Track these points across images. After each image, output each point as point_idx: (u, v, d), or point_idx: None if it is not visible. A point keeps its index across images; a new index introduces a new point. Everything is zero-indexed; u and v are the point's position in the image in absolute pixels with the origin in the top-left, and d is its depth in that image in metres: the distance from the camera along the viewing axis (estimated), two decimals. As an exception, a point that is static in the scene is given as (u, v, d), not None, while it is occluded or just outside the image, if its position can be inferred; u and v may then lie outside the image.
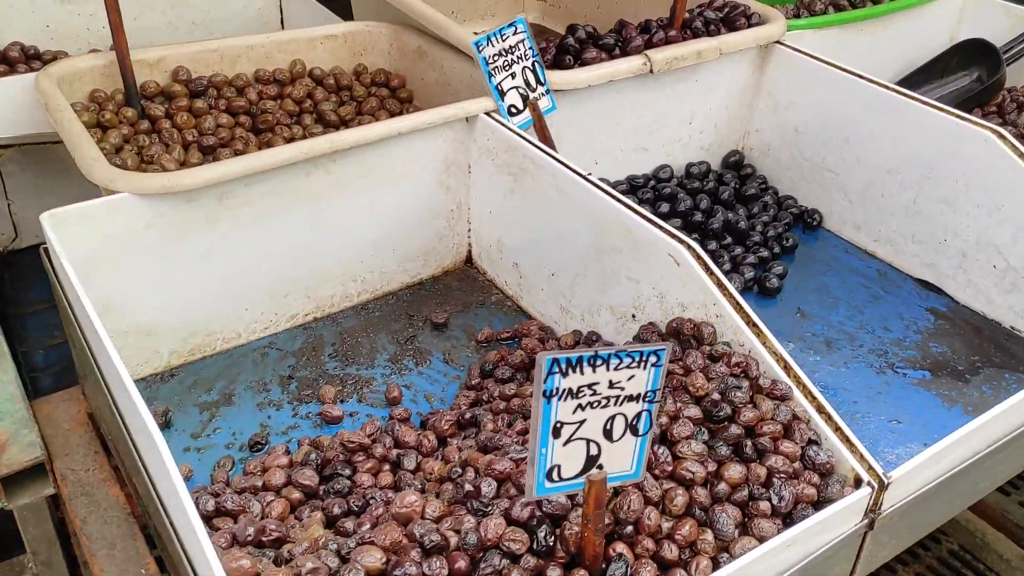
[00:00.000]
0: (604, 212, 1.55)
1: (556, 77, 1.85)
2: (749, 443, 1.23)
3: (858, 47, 2.42)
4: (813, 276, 2.03)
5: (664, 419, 1.22)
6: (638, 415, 0.99)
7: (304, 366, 1.70)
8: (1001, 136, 1.77)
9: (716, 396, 1.27)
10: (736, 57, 2.12)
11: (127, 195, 1.48)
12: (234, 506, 1.27)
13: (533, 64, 1.82)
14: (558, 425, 0.97)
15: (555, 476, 1.00)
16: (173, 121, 1.92)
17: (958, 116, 1.84)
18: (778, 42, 2.15)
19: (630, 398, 0.97)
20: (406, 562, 1.03)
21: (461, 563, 1.05)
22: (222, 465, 1.47)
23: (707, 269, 1.41)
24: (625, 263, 1.56)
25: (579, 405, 0.96)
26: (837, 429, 1.27)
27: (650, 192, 2.07)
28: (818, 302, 1.94)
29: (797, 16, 2.39)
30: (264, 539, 1.17)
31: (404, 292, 1.90)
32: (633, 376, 0.96)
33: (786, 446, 1.24)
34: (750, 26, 2.13)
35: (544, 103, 1.84)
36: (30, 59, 2.34)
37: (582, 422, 0.97)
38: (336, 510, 1.26)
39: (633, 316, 1.58)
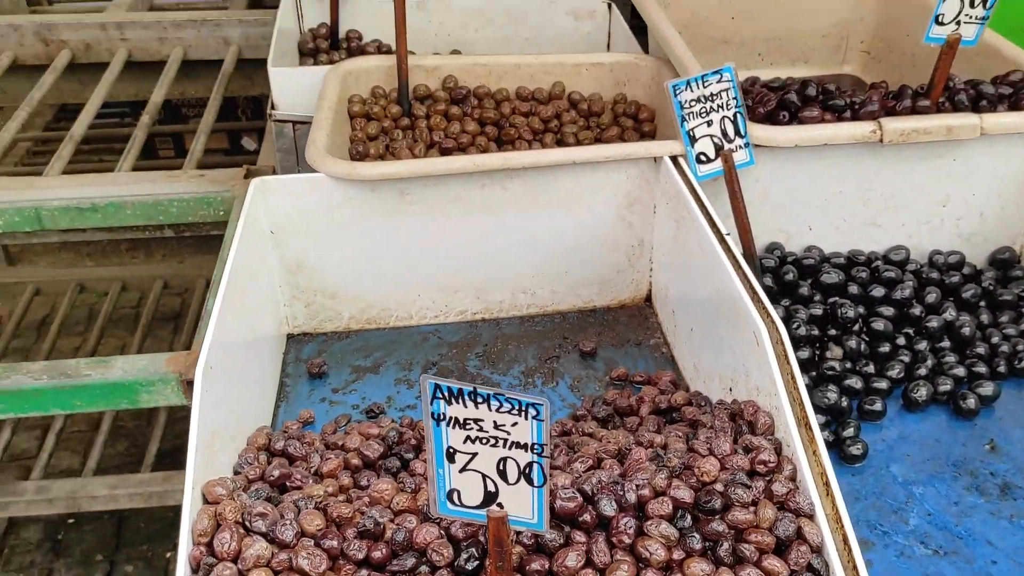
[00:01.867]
0: (721, 275, 1.48)
1: (758, 132, 1.77)
2: (727, 545, 1.13)
3: None
4: (1037, 410, 1.69)
5: (647, 491, 1.17)
6: (529, 465, 0.99)
7: (450, 358, 1.86)
8: None
9: (719, 487, 1.18)
10: (1015, 140, 1.83)
11: (323, 175, 1.75)
12: (296, 452, 1.47)
13: (735, 115, 1.76)
14: (451, 450, 1.01)
15: (456, 500, 1.05)
16: (428, 121, 2.18)
17: None
18: (1080, 131, 1.81)
19: (518, 445, 0.98)
20: (331, 535, 1.15)
21: (378, 553, 1.14)
22: (337, 421, 1.69)
23: (782, 356, 1.30)
24: (728, 332, 1.47)
25: (468, 437, 0.99)
26: (853, 568, 1.11)
27: (866, 271, 1.87)
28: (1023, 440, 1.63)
29: None
30: (288, 484, 1.36)
31: (572, 314, 1.96)
32: (516, 423, 0.96)
33: (772, 563, 1.12)
34: (1045, 107, 1.82)
35: (740, 156, 1.77)
36: (382, 53, 2.79)
37: (474, 455, 1.00)
38: (364, 482, 1.40)
39: (730, 389, 1.49)
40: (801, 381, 1.27)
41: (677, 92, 1.75)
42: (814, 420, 1.23)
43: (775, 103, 1.85)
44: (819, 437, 1.22)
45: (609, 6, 2.85)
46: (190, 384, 1.83)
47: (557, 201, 1.83)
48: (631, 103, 2.27)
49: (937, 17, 1.80)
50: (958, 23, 1.80)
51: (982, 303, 1.88)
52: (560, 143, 2.21)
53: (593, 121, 2.25)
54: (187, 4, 4.17)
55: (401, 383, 1.80)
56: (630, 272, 1.94)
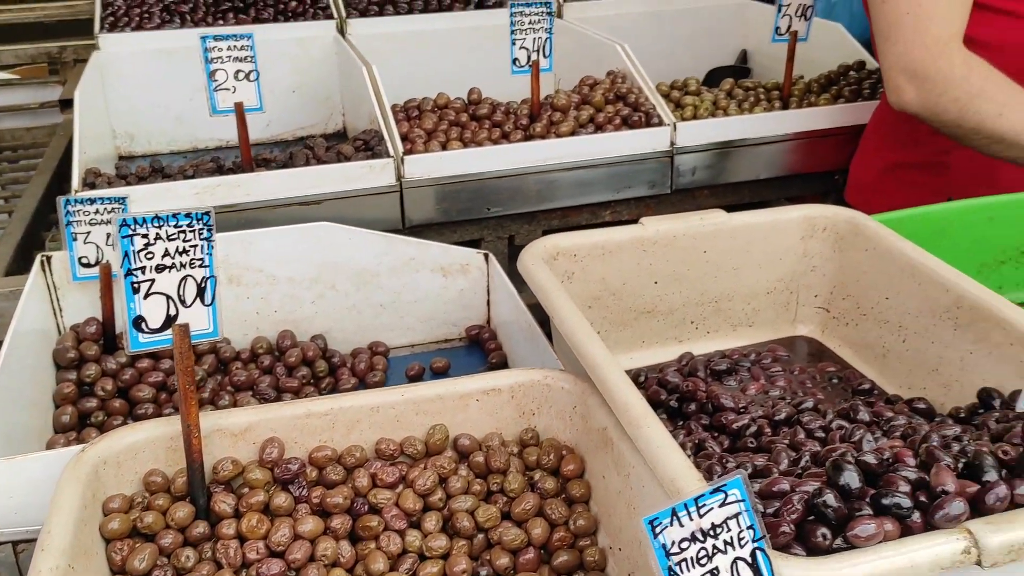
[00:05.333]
0: None
1: (794, 573, 1.06)
2: None
3: None
4: None
5: None
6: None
7: None
8: None
9: None
10: None
11: None
12: None
13: (753, 553, 1.05)
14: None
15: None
16: (238, 526, 1.37)
17: None
18: None
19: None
20: None
21: None
22: None
23: None
24: None
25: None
26: None
27: None
28: None
29: None
30: None
31: None
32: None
33: None
34: None
35: (769, 619, 1.05)
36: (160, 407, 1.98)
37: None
38: None
39: None
40: None
41: (657, 530, 1.02)
42: None
43: (802, 509, 1.15)
44: None
45: (486, 257, 2.19)
46: None
47: None
48: (547, 447, 1.53)
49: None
50: None
51: None
52: (449, 529, 1.44)
53: (495, 484, 1.50)
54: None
55: None
56: None
